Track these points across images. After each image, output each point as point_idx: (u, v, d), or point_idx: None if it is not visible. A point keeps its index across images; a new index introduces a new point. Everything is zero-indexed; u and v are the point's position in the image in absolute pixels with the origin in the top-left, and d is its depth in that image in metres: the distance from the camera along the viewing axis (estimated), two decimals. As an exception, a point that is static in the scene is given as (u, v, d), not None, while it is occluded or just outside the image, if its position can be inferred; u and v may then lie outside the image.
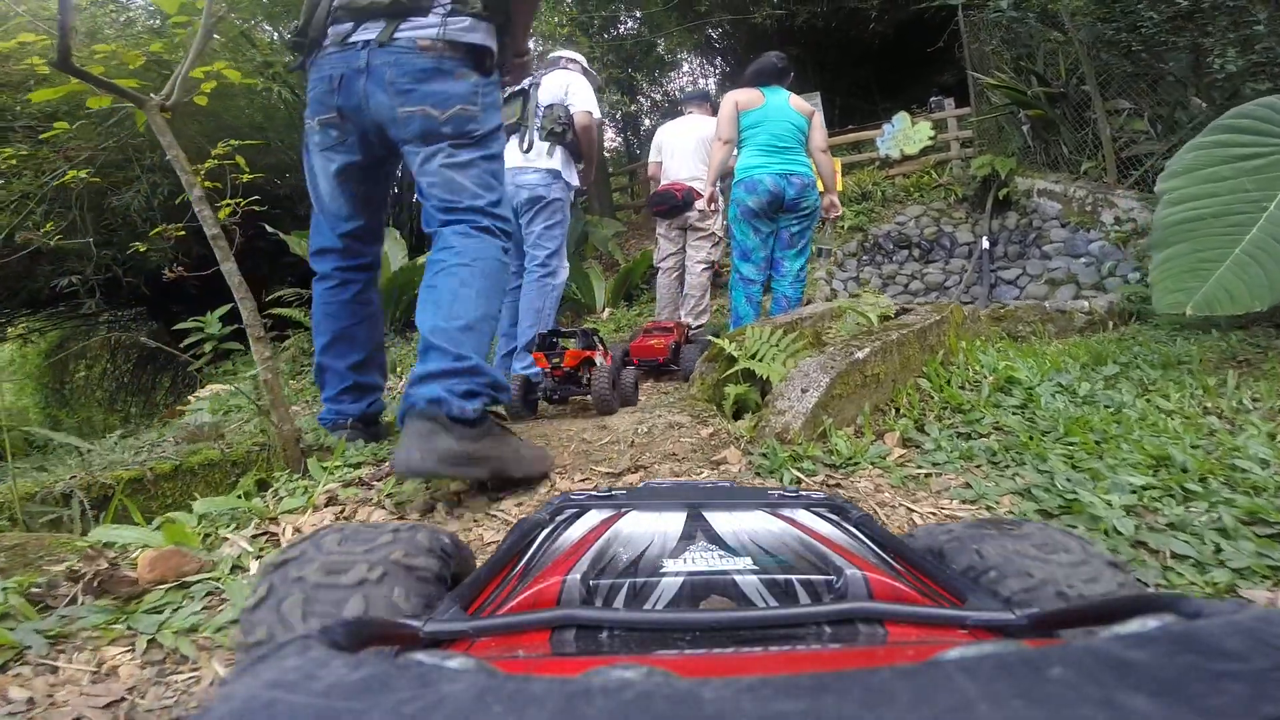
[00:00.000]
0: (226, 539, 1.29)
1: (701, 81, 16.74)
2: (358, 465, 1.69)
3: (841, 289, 6.49)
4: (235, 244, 3.43)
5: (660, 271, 4.43)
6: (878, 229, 7.10)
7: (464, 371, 1.51)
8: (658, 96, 15.96)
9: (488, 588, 0.58)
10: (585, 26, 9.01)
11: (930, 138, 8.38)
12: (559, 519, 0.73)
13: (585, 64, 3.46)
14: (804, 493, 0.82)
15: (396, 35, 1.65)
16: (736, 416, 2.11)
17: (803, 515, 0.72)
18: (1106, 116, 6.58)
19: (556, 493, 1.50)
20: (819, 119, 3.29)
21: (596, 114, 3.11)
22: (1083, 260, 5.94)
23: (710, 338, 2.42)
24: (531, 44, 9.72)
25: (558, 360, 2.47)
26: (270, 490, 1.55)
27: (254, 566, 1.20)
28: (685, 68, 16.51)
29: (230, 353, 5.84)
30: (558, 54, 3.47)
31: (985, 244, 6.41)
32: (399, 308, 5.13)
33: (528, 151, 3.00)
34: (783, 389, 1.79)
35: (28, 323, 10.90)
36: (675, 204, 4.05)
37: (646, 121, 16.06)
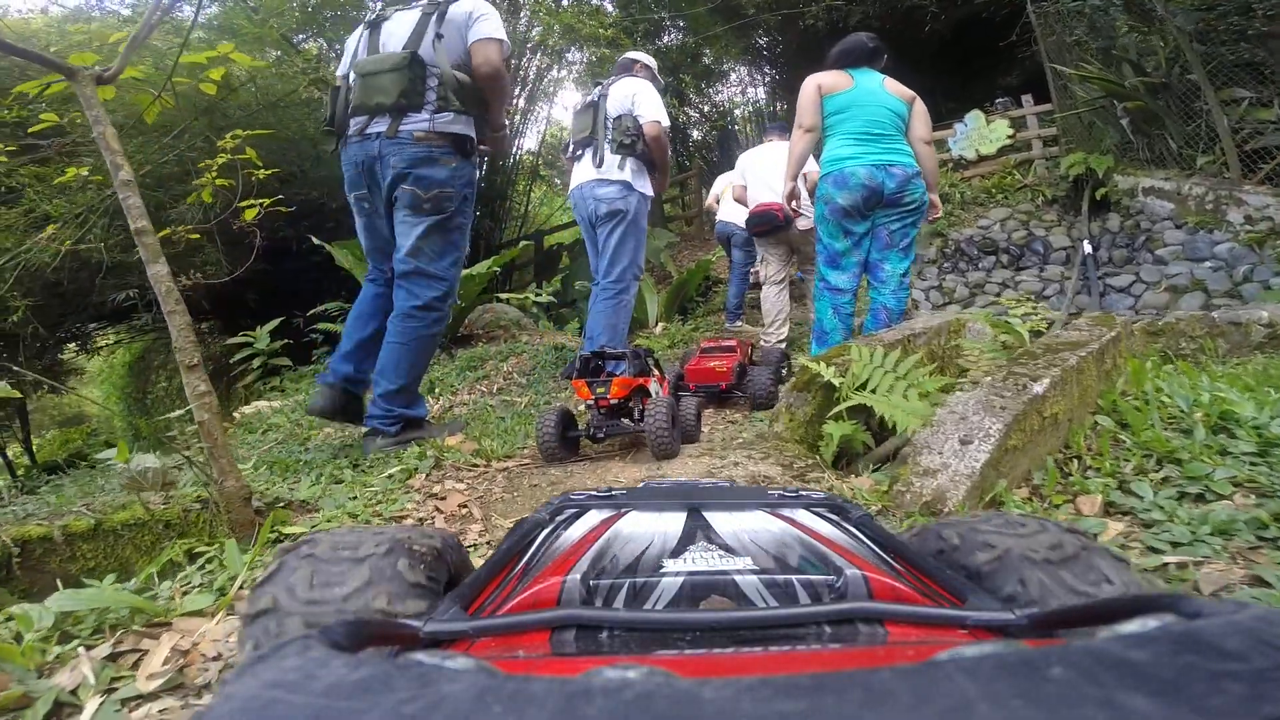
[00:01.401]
0: (77, 655, 0.83)
1: (750, 91, 16.30)
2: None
3: (923, 299, 5.83)
4: (256, 249, 3.19)
5: (767, 284, 4.46)
6: (958, 234, 6.41)
7: (394, 416, 2.33)
8: (706, 108, 15.55)
9: (488, 588, 0.57)
10: (629, 31, 8.62)
11: (1009, 136, 7.73)
12: (559, 519, 0.70)
13: (655, 70, 3.39)
14: (804, 492, 0.79)
15: (400, 129, 2.17)
16: (836, 463, 1.57)
17: (803, 515, 0.69)
18: (1222, 106, 5.79)
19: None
20: (922, 106, 2.79)
21: (665, 122, 3.06)
22: (1208, 264, 5.15)
23: (804, 362, 1.85)
24: (582, 53, 9.47)
25: (603, 390, 2.00)
26: (193, 569, 1.10)
27: (92, 706, 0.74)
28: (733, 77, 16.08)
29: (279, 369, 5.58)
30: (631, 56, 3.38)
31: (1087, 248, 5.66)
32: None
33: (600, 166, 3.04)
34: (928, 439, 1.25)
35: (113, 335, 11.35)
36: (777, 224, 4.08)
37: (695, 134, 15.66)
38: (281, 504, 1.34)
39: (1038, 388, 1.29)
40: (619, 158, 3.01)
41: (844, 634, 0.46)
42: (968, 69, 11.59)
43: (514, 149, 9.24)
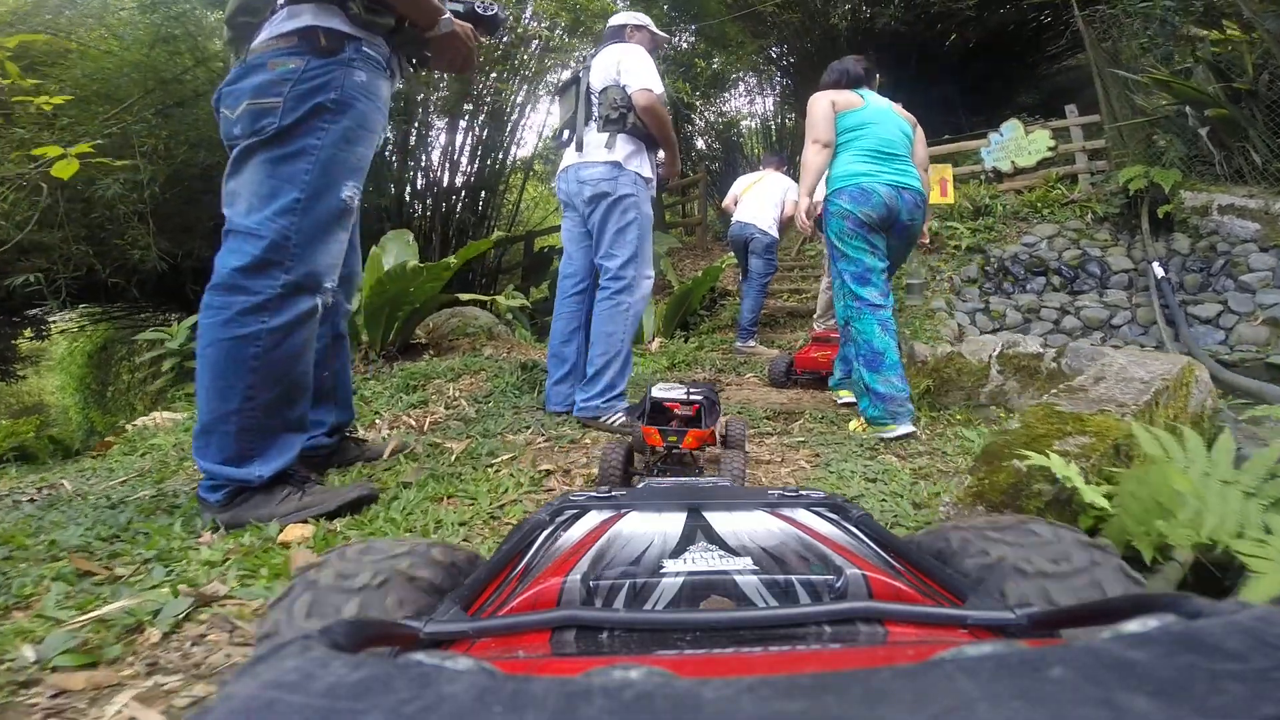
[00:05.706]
0: None
1: (759, 100, 15.66)
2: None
3: (968, 322, 5.01)
4: (39, 209, 2.33)
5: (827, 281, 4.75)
6: (1001, 251, 5.62)
7: (214, 480, 1.49)
8: (712, 116, 14.86)
9: (488, 588, 0.57)
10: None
11: (1050, 148, 7.01)
12: (559, 520, 0.70)
13: (654, 28, 2.80)
14: (804, 492, 0.77)
15: (244, 52, 1.61)
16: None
17: (803, 515, 0.69)
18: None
19: None
20: (920, 131, 2.79)
21: (658, 89, 2.53)
22: (1309, 295, 4.36)
23: (1038, 461, 0.93)
24: (589, 38, 8.64)
25: (675, 440, 1.79)
26: None
27: None
28: (741, 87, 15.44)
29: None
30: (620, 20, 2.79)
31: (1159, 271, 4.86)
32: (382, 326, 3.78)
33: (582, 149, 2.57)
34: None
35: (62, 322, 10.44)
36: None
37: (700, 143, 14.94)
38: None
39: None
40: (606, 135, 2.51)
41: (844, 634, 0.46)
42: (990, 85, 11.04)
43: (480, 71, 8.24)
